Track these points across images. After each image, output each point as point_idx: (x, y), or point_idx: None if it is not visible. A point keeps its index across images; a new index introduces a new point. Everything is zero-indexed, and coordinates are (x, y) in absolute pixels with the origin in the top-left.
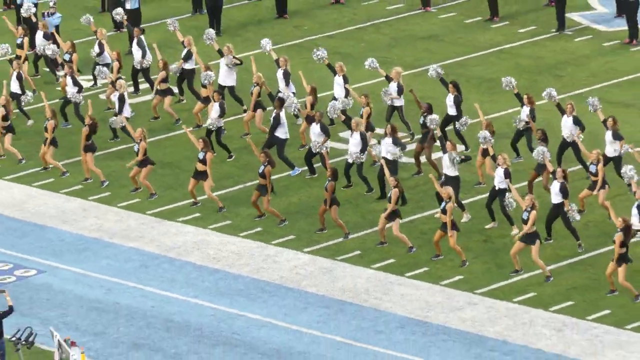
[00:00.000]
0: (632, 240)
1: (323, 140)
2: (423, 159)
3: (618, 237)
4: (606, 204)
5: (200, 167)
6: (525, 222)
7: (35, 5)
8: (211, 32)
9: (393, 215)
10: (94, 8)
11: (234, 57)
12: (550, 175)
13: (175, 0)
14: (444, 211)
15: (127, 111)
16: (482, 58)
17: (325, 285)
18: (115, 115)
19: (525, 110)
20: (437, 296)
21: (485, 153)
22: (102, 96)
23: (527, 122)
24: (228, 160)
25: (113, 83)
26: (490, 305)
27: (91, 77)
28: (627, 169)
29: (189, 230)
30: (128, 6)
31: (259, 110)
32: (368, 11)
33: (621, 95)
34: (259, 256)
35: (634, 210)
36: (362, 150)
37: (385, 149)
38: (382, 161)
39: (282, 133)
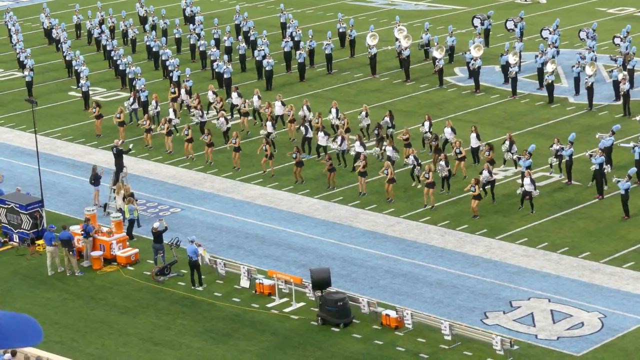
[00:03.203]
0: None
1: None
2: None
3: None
4: (464, 170)
5: (269, 148)
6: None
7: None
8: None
9: (365, 174)
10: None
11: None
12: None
13: (248, 73)
14: (387, 176)
15: (223, 126)
16: (402, 100)
17: (325, 214)
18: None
19: (426, 125)
20: (381, 219)
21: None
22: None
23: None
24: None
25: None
26: (407, 224)
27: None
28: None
29: (256, 188)
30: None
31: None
32: (345, 77)
33: (470, 117)
34: (292, 200)
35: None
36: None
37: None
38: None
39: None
